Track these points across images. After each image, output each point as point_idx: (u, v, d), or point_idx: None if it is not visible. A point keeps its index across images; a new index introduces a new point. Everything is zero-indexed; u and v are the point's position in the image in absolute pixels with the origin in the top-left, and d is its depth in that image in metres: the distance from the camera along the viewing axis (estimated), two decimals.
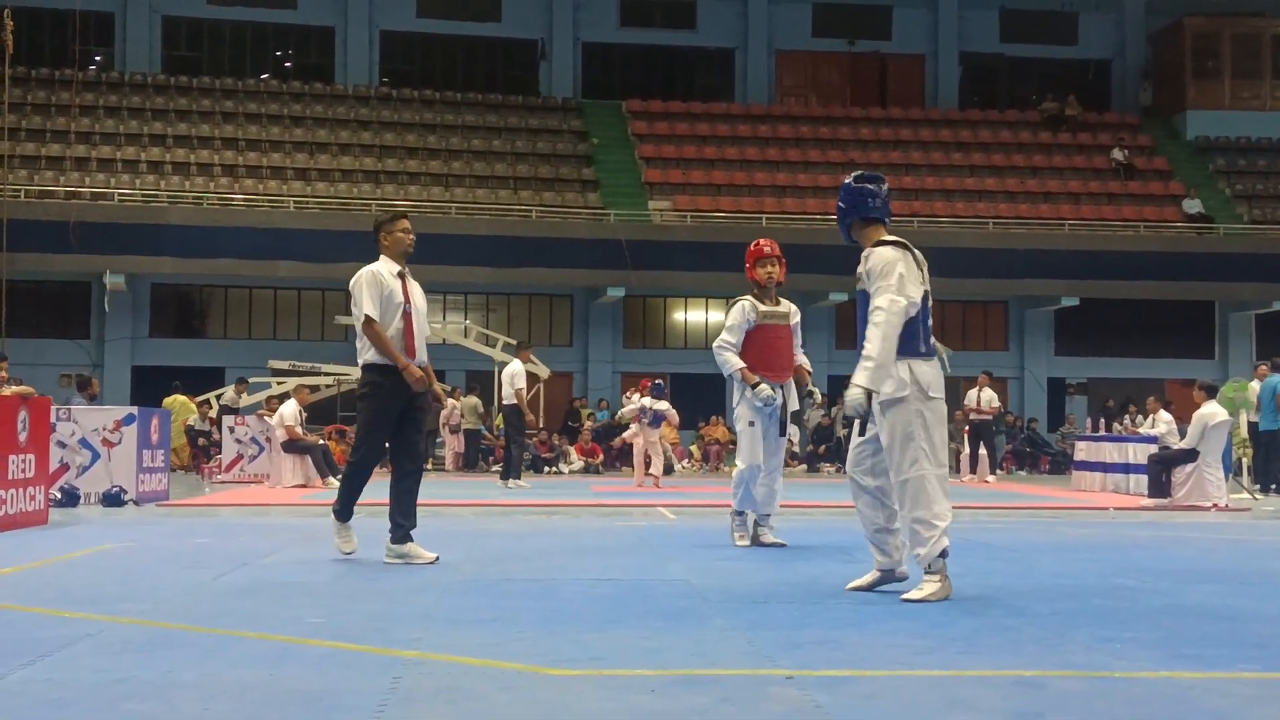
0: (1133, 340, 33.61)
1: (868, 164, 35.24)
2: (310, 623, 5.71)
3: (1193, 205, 34.15)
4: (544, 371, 28.54)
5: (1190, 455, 15.81)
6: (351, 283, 8.22)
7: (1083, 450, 20.45)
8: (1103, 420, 28.68)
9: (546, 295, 32.66)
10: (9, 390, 11.80)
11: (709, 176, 34.29)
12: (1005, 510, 14.82)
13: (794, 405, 9.55)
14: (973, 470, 22.37)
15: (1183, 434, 16.73)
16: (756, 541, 9.45)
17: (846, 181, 6.92)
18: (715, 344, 9.36)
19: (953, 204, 34.04)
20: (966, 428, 23.48)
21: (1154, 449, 16.83)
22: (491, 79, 37.34)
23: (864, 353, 6.47)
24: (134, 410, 15.14)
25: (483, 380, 28.81)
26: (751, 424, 9.20)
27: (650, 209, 32.64)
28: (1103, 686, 4.48)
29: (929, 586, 6.45)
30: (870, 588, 6.82)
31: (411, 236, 8.38)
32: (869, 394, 6.47)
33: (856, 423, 6.74)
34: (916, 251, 6.67)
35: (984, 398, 22.11)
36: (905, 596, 6.46)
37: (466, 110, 35.77)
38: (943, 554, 6.46)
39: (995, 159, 36.20)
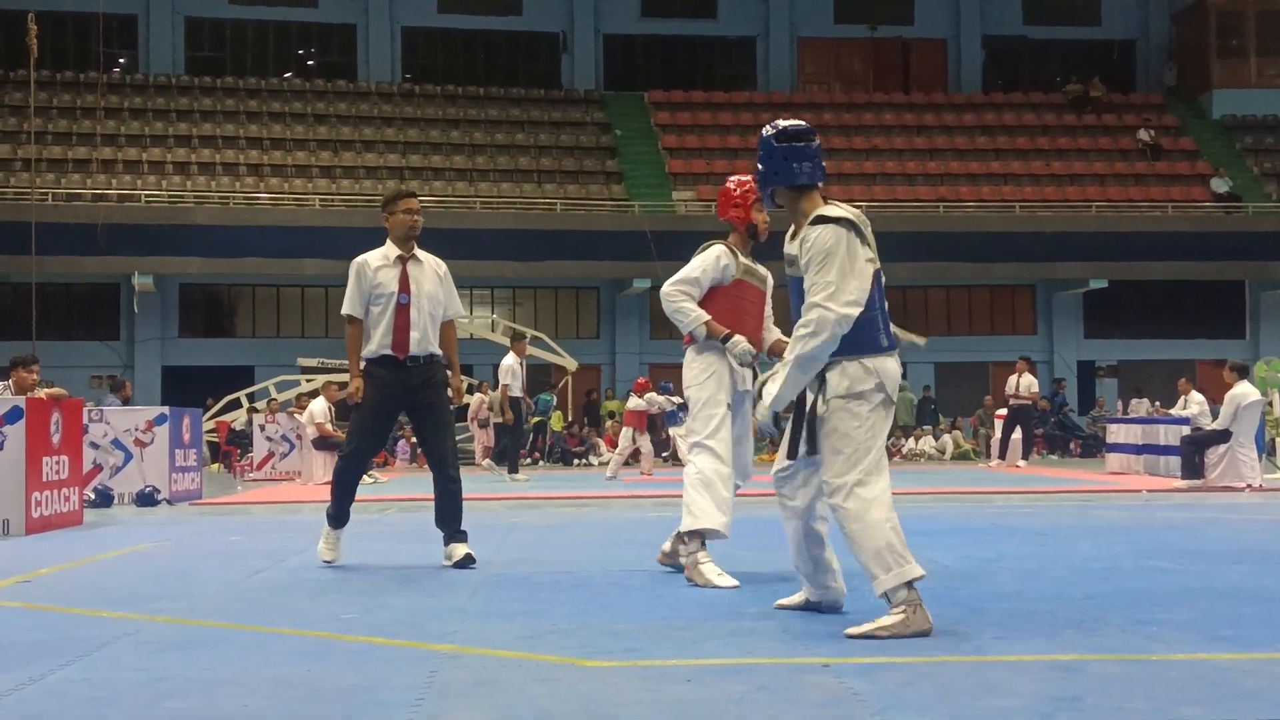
0: (1163, 321, 33.44)
1: (892, 150, 35.19)
2: (345, 618, 5.73)
3: (1220, 184, 33.93)
4: (571, 364, 28.59)
5: (1223, 436, 15.72)
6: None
7: (1115, 433, 20.36)
8: (1134, 400, 28.61)
9: (572, 288, 32.69)
10: (42, 393, 11.87)
11: (733, 166, 34.15)
12: (1038, 494, 14.77)
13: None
14: (1001, 456, 22.29)
15: (1214, 414, 16.65)
16: (671, 560, 7.13)
17: (767, 136, 5.71)
18: (669, 290, 6.94)
19: (978, 188, 33.90)
20: (997, 413, 23.41)
21: (1186, 430, 16.74)
22: (513, 73, 37.38)
23: (776, 366, 5.42)
24: (165, 410, 15.23)
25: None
26: (729, 406, 6.87)
27: (674, 200, 32.61)
28: (1140, 669, 4.45)
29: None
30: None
31: (417, 218, 7.75)
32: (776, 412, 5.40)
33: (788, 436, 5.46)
34: (863, 223, 5.40)
35: (1023, 383, 22.01)
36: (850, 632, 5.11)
37: (489, 105, 35.81)
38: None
39: (1020, 142, 36.03)
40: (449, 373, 7.87)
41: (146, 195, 30.17)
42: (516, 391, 18.67)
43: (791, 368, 5.24)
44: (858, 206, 5.82)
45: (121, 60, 35.88)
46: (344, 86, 35.78)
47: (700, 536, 6.73)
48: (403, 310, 7.58)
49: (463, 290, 37.33)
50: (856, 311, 5.17)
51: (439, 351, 7.75)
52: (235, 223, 29.38)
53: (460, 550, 7.60)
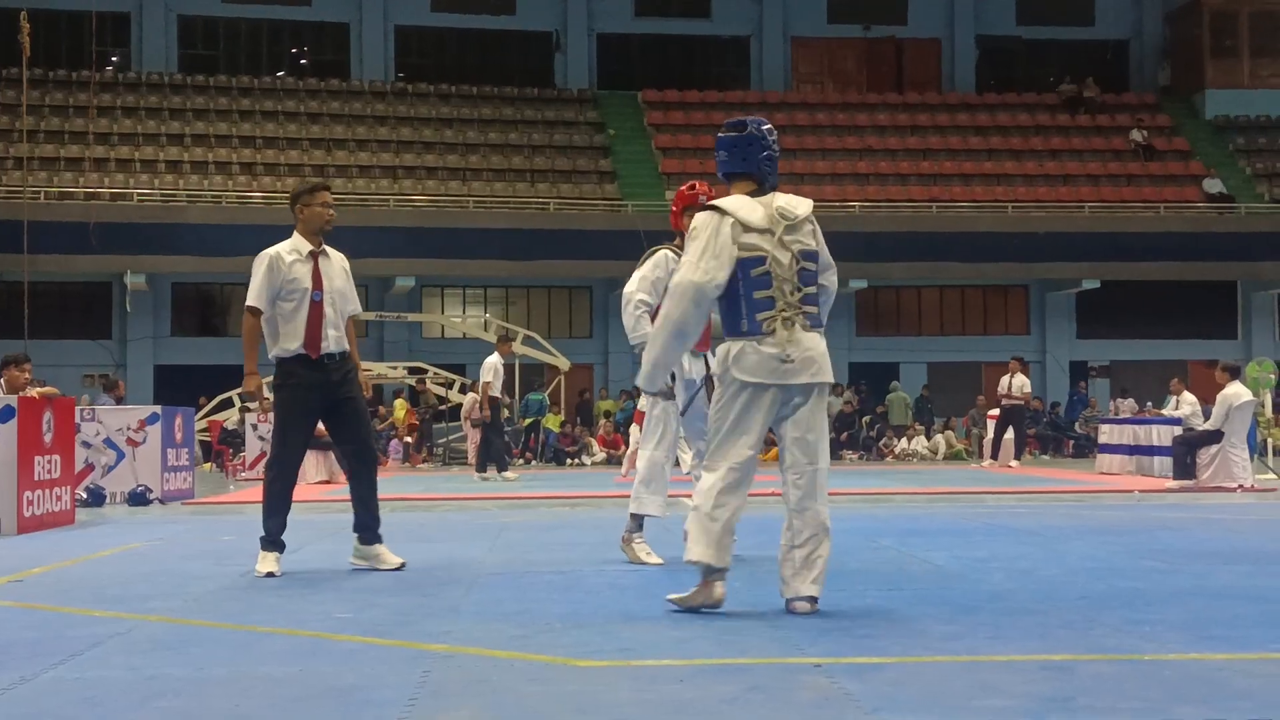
0: (1155, 322, 33.46)
1: (885, 150, 35.20)
2: (338, 618, 5.73)
3: (1213, 185, 33.97)
4: (564, 363, 28.56)
5: (1215, 436, 15.74)
6: (254, 263, 7.51)
7: (1107, 433, 20.38)
8: (1119, 399, 28.66)
9: (565, 287, 32.66)
10: (34, 392, 11.84)
11: None
12: (1030, 494, 14.79)
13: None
14: (994, 456, 22.32)
15: (1206, 415, 16.68)
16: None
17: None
18: (629, 301, 7.41)
19: (971, 188, 33.92)
20: (989, 413, 23.44)
21: (1178, 431, 16.76)
22: (507, 72, 37.32)
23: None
24: (158, 409, 15.20)
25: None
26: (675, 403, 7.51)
27: (668, 199, 32.57)
28: (1132, 669, 4.46)
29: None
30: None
31: (331, 211, 7.61)
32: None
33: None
34: (754, 215, 5.65)
35: (1016, 383, 22.05)
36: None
37: (482, 104, 35.79)
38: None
39: (1013, 142, 36.06)
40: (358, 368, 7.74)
41: (139, 194, 30.12)
42: (496, 391, 18.76)
43: (658, 331, 5.67)
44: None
45: (114, 58, 35.81)
46: (337, 85, 35.73)
47: (640, 519, 7.70)
48: (316, 307, 7.40)
49: (455, 289, 37.15)
50: (709, 283, 5.50)
51: (349, 349, 7.58)
52: (228, 221, 29.29)
53: (390, 558, 7.45)
